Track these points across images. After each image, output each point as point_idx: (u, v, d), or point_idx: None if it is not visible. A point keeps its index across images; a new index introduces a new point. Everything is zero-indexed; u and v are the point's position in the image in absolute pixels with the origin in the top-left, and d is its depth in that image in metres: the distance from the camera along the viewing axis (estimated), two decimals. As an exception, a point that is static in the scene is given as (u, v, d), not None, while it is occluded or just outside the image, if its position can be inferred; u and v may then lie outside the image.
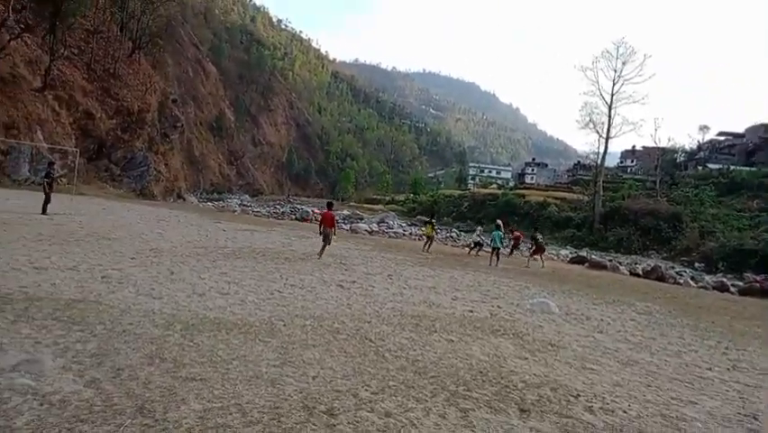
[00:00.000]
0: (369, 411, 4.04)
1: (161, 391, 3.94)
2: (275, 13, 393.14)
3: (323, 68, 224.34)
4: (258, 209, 43.92)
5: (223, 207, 44.62)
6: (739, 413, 5.22)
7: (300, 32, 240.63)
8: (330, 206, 15.38)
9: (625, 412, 4.80)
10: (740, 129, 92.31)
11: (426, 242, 23.06)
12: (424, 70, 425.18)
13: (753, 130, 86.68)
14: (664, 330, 9.52)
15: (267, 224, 27.58)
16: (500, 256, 20.05)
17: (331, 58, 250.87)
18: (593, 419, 4.51)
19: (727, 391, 6.01)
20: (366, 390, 4.52)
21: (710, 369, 6.94)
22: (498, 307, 9.87)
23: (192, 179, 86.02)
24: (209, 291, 7.96)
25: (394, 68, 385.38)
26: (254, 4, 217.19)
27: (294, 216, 38.56)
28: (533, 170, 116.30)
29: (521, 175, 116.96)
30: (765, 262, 34.00)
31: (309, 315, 7.17)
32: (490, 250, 20.37)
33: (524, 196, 63.29)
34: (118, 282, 7.81)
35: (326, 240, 14.20)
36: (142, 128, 46.48)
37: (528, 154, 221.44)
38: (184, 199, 49.64)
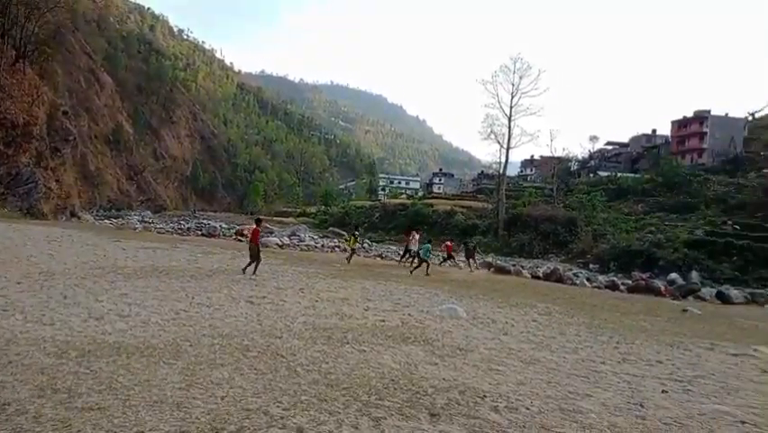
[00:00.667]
0: (280, 428, 3.99)
1: (54, 425, 3.68)
2: (175, 22, 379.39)
3: (228, 79, 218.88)
4: (161, 226, 41.97)
5: (122, 224, 42.25)
6: (629, 402, 5.65)
7: (203, 42, 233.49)
8: (258, 222, 15.61)
9: (527, 409, 5.05)
10: (625, 139, 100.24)
11: (350, 254, 23.66)
12: (331, 82, 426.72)
13: (635, 140, 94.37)
14: (563, 329, 10.12)
15: (171, 241, 26.43)
16: (429, 266, 20.84)
17: (236, 69, 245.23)
18: (499, 418, 4.71)
19: (619, 382, 6.48)
20: (278, 406, 4.46)
21: (603, 363, 7.45)
22: (409, 315, 10.06)
23: (87, 196, 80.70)
24: (108, 314, 7.52)
25: (301, 79, 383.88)
26: (153, 12, 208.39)
27: (200, 232, 37.23)
28: (440, 180, 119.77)
29: (429, 185, 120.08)
30: (650, 261, 37.06)
31: (217, 333, 6.96)
32: (418, 260, 21.15)
33: (432, 205, 64.93)
34: (2, 310, 7.20)
35: (256, 257, 14.08)
36: (29, 142, 43.04)
37: (435, 165, 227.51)
38: (78, 218, 46.46)
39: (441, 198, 78.03)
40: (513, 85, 58.09)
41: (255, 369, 5.50)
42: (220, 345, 6.37)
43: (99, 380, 4.72)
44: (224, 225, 43.44)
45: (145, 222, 47.28)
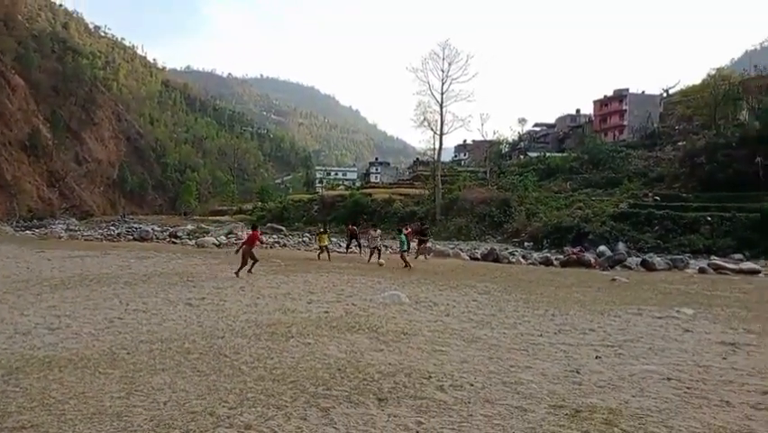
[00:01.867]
0: (227, 427, 3.94)
1: (-17, 447, 3.49)
2: (91, 19, 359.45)
3: (152, 76, 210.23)
4: (88, 233, 40.08)
5: (46, 234, 40.04)
6: (566, 370, 5.92)
7: (122, 39, 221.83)
8: (255, 227, 16.03)
9: (471, 385, 5.21)
10: (552, 120, 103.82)
11: (326, 252, 21.98)
12: (261, 76, 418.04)
13: (561, 120, 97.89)
14: (502, 306, 10.45)
15: (100, 247, 25.32)
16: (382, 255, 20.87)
17: (160, 66, 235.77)
18: (445, 397, 4.83)
19: (556, 352, 6.77)
20: (223, 406, 4.40)
21: (541, 335, 7.77)
22: (353, 304, 10.10)
23: (4, 207, 76.05)
24: (35, 329, 7.16)
25: (230, 74, 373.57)
26: (65, 9, 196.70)
27: (132, 237, 35.82)
28: (377, 169, 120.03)
29: (366, 175, 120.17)
30: (579, 235, 38.68)
31: (156, 338, 6.76)
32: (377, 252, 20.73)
33: (371, 195, 65.04)
34: None
35: (251, 258, 14.27)
36: (-66, 152, 40.00)
37: (371, 154, 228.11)
38: (-4, 230, 43.62)
39: (378, 187, 78.35)
40: (443, 71, 58.82)
41: (198, 371, 5.39)
42: (159, 349, 6.19)
43: (30, 397, 4.50)
44: (156, 228, 41.92)
45: (71, 230, 44.97)
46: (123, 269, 15.19)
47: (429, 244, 25.52)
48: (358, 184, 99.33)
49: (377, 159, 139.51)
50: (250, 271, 14.03)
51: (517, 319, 9.00)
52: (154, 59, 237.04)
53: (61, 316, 8.02)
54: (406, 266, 18.23)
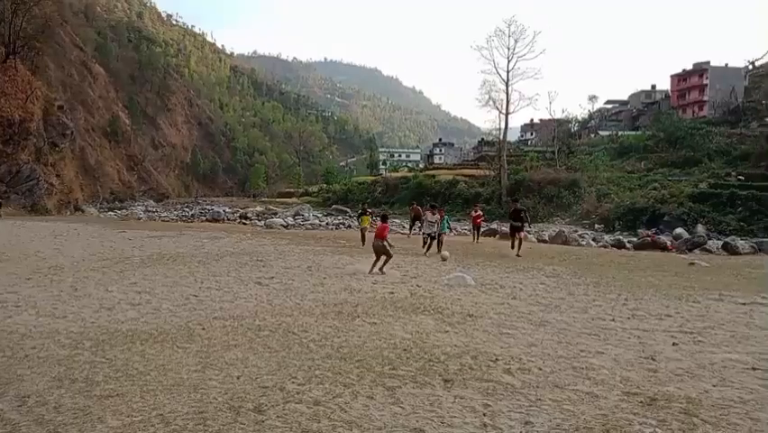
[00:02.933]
0: (297, 403, 4.04)
1: (74, 414, 3.74)
2: (163, 8, 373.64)
3: (220, 62, 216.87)
4: (165, 214, 42.11)
5: (126, 215, 42.37)
6: (640, 357, 5.69)
7: (192, 26, 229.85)
8: (384, 218, 13.49)
9: (540, 369, 5.10)
10: (624, 96, 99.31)
11: (362, 235, 19.38)
12: (325, 59, 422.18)
13: (635, 96, 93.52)
14: (571, 289, 10.16)
15: (176, 228, 26.53)
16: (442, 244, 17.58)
17: (228, 52, 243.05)
18: (512, 380, 4.76)
19: (629, 338, 6.52)
20: (293, 382, 4.51)
21: (613, 320, 7.49)
22: (418, 285, 10.11)
23: (90, 190, 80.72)
24: (119, 304, 7.59)
25: (295, 58, 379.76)
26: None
27: (205, 218, 37.32)
28: (440, 150, 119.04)
29: (430, 156, 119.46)
30: (654, 217, 37.02)
31: (228, 315, 7.02)
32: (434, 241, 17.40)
33: (434, 176, 64.72)
34: (15, 306, 7.27)
35: (385, 253, 11.94)
36: (27, 139, 43.02)
37: (435, 135, 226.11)
38: (83, 211, 46.61)
39: (442, 168, 77.76)
40: (508, 49, 57.26)
41: (268, 347, 5.55)
42: (232, 326, 6.43)
43: (115, 367, 4.78)
44: (227, 210, 43.48)
45: (149, 211, 47.44)
46: (198, 248, 15.86)
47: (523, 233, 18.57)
48: (421, 165, 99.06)
49: (440, 139, 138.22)
50: (381, 270, 11.75)
51: (588, 303, 8.72)
52: (222, 46, 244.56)
53: (142, 292, 8.47)
54: (427, 250, 16.69)
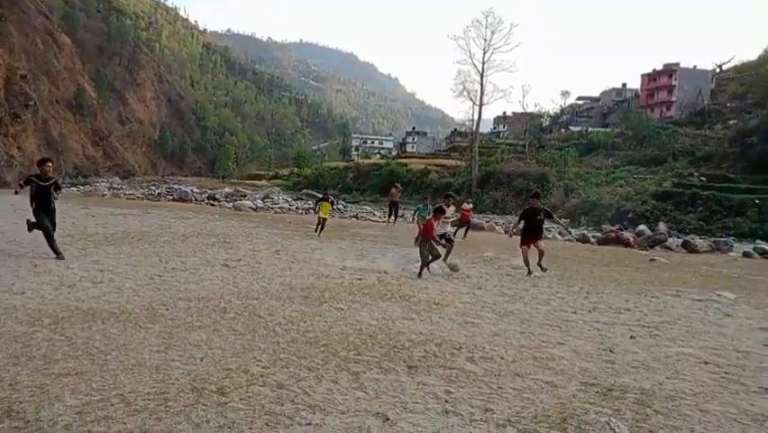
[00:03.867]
0: (261, 386, 4.04)
1: (31, 391, 3.66)
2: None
3: (193, 38, 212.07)
4: (130, 192, 41.17)
5: (90, 191, 41.27)
6: (599, 348, 5.85)
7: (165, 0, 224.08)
8: (439, 211, 10.92)
9: (502, 358, 5.20)
10: (596, 93, 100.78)
11: (318, 223, 17.11)
12: (300, 41, 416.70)
13: (606, 94, 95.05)
14: (535, 282, 10.34)
15: (142, 206, 25.99)
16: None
17: (201, 28, 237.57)
18: (474, 368, 4.85)
19: (589, 330, 6.69)
20: (257, 365, 4.50)
21: (575, 312, 7.67)
22: (385, 273, 10.15)
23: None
24: (80, 282, 7.42)
25: (270, 38, 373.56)
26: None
27: (171, 198, 36.65)
28: (413, 138, 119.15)
29: (402, 144, 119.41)
30: (619, 213, 37.86)
31: (193, 297, 6.94)
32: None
33: (406, 165, 64.84)
34: (-30, 280, 7.05)
35: (431, 252, 10.24)
36: (-14, 108, 41.42)
37: (408, 124, 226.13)
38: (44, 185, 45.20)
39: (414, 157, 77.97)
40: (485, 40, 57.62)
41: (233, 330, 5.52)
42: (197, 307, 6.36)
43: (75, 346, 4.69)
44: (195, 190, 42.76)
45: (114, 188, 46.29)
46: (164, 228, 15.58)
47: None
48: (394, 153, 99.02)
49: (413, 128, 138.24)
50: (419, 274, 10.09)
51: (551, 295, 8.90)
52: (195, 21, 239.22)
53: (104, 270, 8.30)
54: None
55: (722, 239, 25.88)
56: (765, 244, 25.49)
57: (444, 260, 10.95)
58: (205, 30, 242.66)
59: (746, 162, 43.37)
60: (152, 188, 46.98)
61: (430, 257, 10.21)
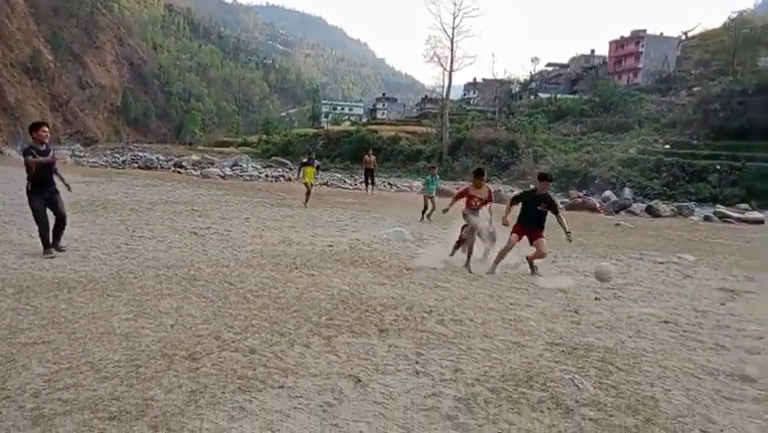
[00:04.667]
0: (233, 351, 4.05)
1: (-4, 361, 3.60)
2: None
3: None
4: (93, 159, 40.04)
5: (51, 159, 39.97)
6: (565, 310, 6.02)
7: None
8: (479, 173, 8.75)
9: (471, 321, 5.31)
10: (565, 60, 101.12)
11: (307, 194, 16.04)
12: (267, 3, 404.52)
13: (575, 61, 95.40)
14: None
15: (106, 174, 25.36)
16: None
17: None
18: (444, 330, 4.94)
19: (556, 292, 6.86)
20: (229, 331, 4.50)
21: (542, 276, 7.85)
22: (357, 239, 10.18)
23: (9, 131, 75.69)
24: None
25: (235, 0, 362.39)
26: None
27: (136, 165, 35.83)
28: (383, 105, 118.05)
29: (373, 111, 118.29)
30: (586, 180, 38.54)
31: (162, 265, 6.86)
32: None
33: (377, 131, 64.33)
34: (-73, 250, 6.82)
35: (470, 235, 8.36)
36: (-64, 71, 39.40)
37: (378, 89, 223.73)
38: (1, 153, 43.65)
39: (385, 123, 77.29)
40: (455, 4, 56.99)
41: (204, 297, 5.49)
42: (166, 276, 6.29)
43: (41, 315, 4.61)
44: (161, 157, 41.83)
45: (76, 156, 44.96)
46: (129, 196, 15.26)
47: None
48: (364, 120, 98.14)
49: (384, 94, 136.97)
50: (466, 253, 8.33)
51: (520, 260, 9.05)
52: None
53: (69, 239, 8.11)
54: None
55: (684, 204, 26.66)
56: (725, 208, 26.34)
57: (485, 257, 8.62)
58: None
59: (709, 129, 44.31)
60: (116, 155, 45.79)
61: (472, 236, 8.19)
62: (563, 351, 4.57)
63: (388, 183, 34.32)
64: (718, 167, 36.66)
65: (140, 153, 47.59)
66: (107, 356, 3.79)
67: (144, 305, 5.07)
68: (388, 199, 21.83)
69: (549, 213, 8.00)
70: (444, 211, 8.80)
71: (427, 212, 14.38)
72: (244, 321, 4.79)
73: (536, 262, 8.08)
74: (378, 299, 5.88)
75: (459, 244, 8.69)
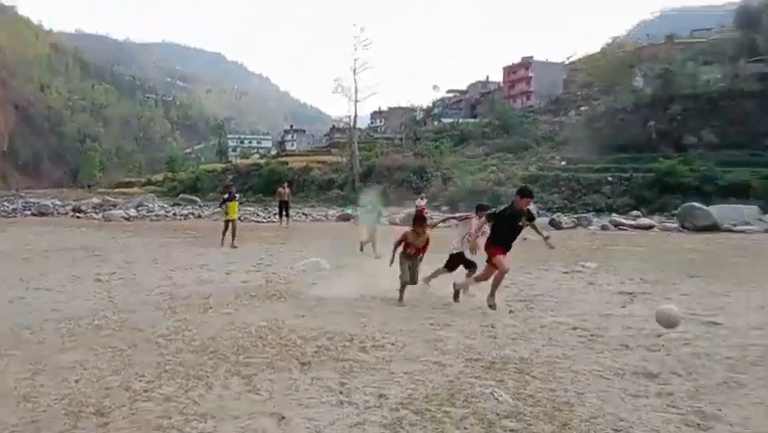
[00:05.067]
0: (145, 401, 3.83)
1: None
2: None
3: (37, 39, 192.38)
4: (-22, 210, 36.74)
5: (-74, 212, 36.31)
6: (482, 325, 6.22)
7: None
8: (420, 221, 7.89)
9: (393, 345, 5.35)
10: (464, 86, 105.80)
11: (225, 230, 14.70)
12: (163, 41, 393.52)
13: (473, 87, 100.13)
14: (421, 268, 10.67)
15: (-7, 225, 23.36)
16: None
17: (46, 28, 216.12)
18: (367, 357, 4.94)
19: (473, 309, 7.10)
20: (140, 380, 4.26)
21: (474, 295, 8.04)
22: (273, 273, 10.00)
23: None
24: None
25: (128, 38, 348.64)
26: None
27: (30, 212, 33.28)
28: (292, 136, 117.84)
29: (282, 143, 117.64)
30: (493, 198, 40.21)
31: (63, 317, 6.39)
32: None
33: (287, 163, 64.01)
34: None
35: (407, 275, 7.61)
36: None
37: (286, 122, 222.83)
38: None
39: (295, 154, 77.08)
40: (356, 37, 58.43)
41: (111, 347, 5.17)
42: (67, 328, 5.87)
43: None
44: (57, 202, 39.12)
45: (-43, 207, 41.09)
46: (22, 245, 14.14)
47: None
48: (274, 152, 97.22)
49: (291, 126, 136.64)
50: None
51: (437, 280, 9.24)
52: (40, 21, 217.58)
53: (-49, 299, 7.40)
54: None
55: (583, 215, 28.48)
56: (618, 216, 28.37)
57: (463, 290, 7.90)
58: (50, 30, 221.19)
59: (598, 144, 47.82)
60: (5, 204, 42.31)
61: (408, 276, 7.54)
62: (483, 366, 4.71)
63: (303, 213, 34.05)
64: (610, 179, 39.59)
65: (33, 200, 44.31)
66: (4, 420, 3.46)
67: (43, 361, 4.69)
68: (304, 230, 21.66)
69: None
70: (390, 264, 7.75)
71: (371, 245, 12.77)
72: (157, 368, 4.55)
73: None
74: (297, 331, 5.79)
75: (435, 274, 8.26)
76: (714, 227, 21.90)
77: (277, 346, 5.24)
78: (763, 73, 45.76)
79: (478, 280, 7.39)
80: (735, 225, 22.54)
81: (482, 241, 7.33)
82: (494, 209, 7.59)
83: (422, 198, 18.47)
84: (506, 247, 7.28)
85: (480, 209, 8.17)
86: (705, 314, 6.84)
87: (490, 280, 7.09)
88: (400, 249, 7.70)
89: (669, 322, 5.70)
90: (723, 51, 54.62)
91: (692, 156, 39.09)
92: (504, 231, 7.19)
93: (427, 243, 7.63)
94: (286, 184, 25.23)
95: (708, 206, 24.25)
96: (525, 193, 7.16)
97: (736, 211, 25.30)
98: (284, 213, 23.51)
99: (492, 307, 6.86)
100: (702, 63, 53.50)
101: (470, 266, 7.90)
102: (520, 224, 7.21)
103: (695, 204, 24.28)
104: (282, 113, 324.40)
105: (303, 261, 11.18)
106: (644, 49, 67.21)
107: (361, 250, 12.97)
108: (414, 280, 7.59)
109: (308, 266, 10.52)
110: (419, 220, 7.83)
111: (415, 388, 4.14)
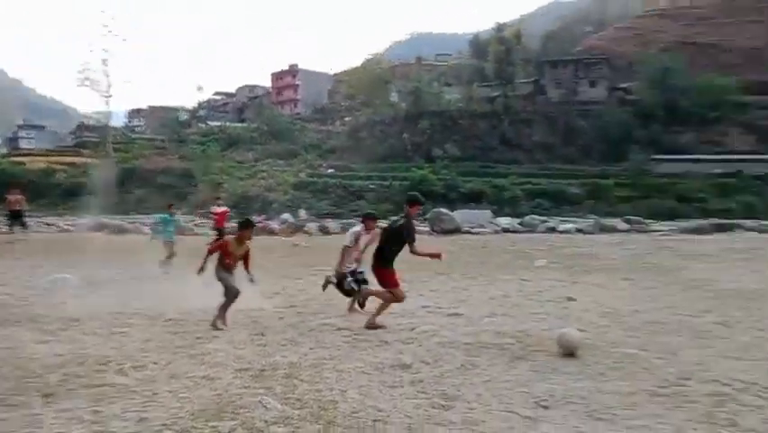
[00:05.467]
0: None
1: None
2: None
3: None
4: None
5: None
6: (252, 334, 6.21)
7: None
8: (247, 225, 7.28)
9: (155, 364, 5.02)
10: (233, 89, 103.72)
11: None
12: None
13: (241, 90, 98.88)
14: (186, 278, 10.18)
15: None
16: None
17: None
18: (125, 380, 4.56)
19: (243, 319, 7.02)
20: None
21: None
22: (7, 294, 8.61)
23: None
24: None
25: None
26: None
27: None
28: (28, 133, 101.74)
29: (14, 140, 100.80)
30: (265, 204, 40.28)
31: None
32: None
33: (23, 163, 55.34)
34: None
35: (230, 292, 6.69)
36: None
37: (19, 115, 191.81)
38: None
39: (33, 154, 66.85)
40: (106, 26, 53.09)
41: None
42: None
43: None
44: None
45: None
46: None
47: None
48: (4, 151, 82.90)
49: (24, 120, 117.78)
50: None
51: (195, 292, 8.81)
52: None
53: None
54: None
55: (350, 221, 29.96)
56: (384, 220, 30.69)
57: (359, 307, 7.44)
58: None
59: (361, 153, 51.22)
60: None
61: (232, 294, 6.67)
62: (252, 375, 4.71)
63: (46, 223, 29.64)
64: (372, 186, 42.66)
65: None
66: None
67: None
68: (50, 242, 18.94)
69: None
70: (199, 272, 6.78)
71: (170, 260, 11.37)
72: None
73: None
74: (39, 359, 5.09)
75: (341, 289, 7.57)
76: (457, 230, 25.17)
77: (12, 380, 4.53)
78: (490, 97, 54.09)
79: (386, 299, 6.64)
80: (473, 228, 26.20)
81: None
82: (391, 222, 7.02)
83: (219, 205, 17.04)
84: (392, 266, 6.62)
85: (367, 218, 7.67)
86: (449, 307, 7.83)
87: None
88: (214, 258, 6.81)
89: (567, 347, 5.35)
90: (461, 75, 63.22)
91: (439, 166, 44.36)
92: (395, 247, 6.59)
93: (247, 254, 6.96)
94: (19, 191, 20.71)
95: (452, 211, 27.82)
96: (416, 200, 6.82)
97: (473, 215, 29.60)
98: (18, 223, 19.79)
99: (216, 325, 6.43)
100: (445, 84, 61.13)
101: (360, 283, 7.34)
102: (404, 239, 6.50)
103: (442, 210, 27.65)
104: (13, 105, 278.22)
105: (48, 277, 9.79)
106: (397, 67, 74.12)
107: (162, 268, 11.11)
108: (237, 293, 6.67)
109: (53, 283, 9.26)
110: (248, 226, 7.18)
111: (180, 406, 3.97)
